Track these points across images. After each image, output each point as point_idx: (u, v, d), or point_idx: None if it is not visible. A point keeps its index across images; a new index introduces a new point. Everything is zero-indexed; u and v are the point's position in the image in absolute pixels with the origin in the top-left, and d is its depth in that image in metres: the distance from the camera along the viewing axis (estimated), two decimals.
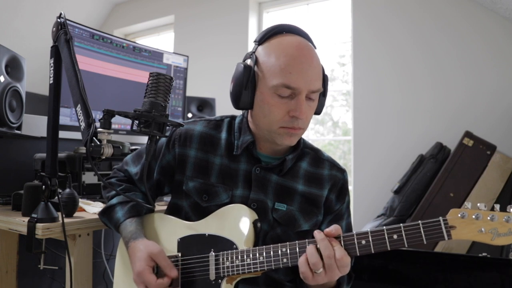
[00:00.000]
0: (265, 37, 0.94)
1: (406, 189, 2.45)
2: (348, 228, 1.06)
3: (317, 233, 0.82)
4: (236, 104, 0.94)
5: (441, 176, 2.31)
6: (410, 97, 2.85)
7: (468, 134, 2.34)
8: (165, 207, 1.11)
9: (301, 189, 1.00)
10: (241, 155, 1.00)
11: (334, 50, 3.54)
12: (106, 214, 1.04)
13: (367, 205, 2.84)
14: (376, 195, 2.82)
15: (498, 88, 2.59)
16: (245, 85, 0.91)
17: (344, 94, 3.54)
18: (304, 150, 1.05)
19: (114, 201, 1.04)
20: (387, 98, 2.94)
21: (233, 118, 1.07)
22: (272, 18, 3.79)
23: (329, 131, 3.66)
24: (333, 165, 1.06)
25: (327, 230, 0.82)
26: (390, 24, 2.96)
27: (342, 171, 1.06)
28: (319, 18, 3.55)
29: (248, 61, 0.95)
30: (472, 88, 2.66)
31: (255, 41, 0.96)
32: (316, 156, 1.06)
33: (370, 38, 3.03)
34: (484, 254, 1.57)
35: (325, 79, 0.97)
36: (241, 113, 1.07)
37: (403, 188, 2.48)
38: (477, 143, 2.31)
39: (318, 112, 1.00)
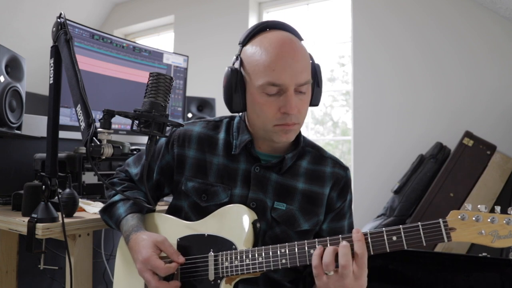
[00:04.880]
0: (248, 37, 0.94)
1: (406, 189, 2.45)
2: (350, 228, 1.05)
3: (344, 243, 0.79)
4: (230, 107, 0.95)
5: (441, 176, 2.31)
6: (410, 97, 2.85)
7: (468, 134, 2.34)
8: (165, 207, 1.11)
9: (301, 187, 0.99)
10: (240, 154, 1.00)
11: (334, 50, 3.54)
12: (107, 211, 1.04)
13: (367, 205, 2.84)
14: (376, 195, 2.82)
15: (498, 88, 2.59)
16: (234, 89, 0.91)
17: (344, 94, 3.54)
18: (305, 148, 1.05)
19: (116, 198, 1.04)
20: (387, 98, 2.94)
21: (232, 118, 1.07)
22: (272, 18, 3.79)
23: (329, 131, 3.66)
24: (336, 162, 1.05)
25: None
26: (390, 24, 2.96)
27: (345, 169, 1.05)
28: (319, 18, 3.55)
29: (235, 64, 0.94)
30: (472, 88, 2.67)
31: (240, 43, 0.96)
32: (318, 154, 1.05)
33: (370, 38, 3.03)
34: (484, 254, 1.57)
35: (316, 69, 0.96)
36: (239, 114, 1.07)
37: (403, 188, 2.48)
38: (477, 143, 2.31)
39: (315, 103, 0.98)
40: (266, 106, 0.90)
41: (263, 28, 0.94)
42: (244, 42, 0.94)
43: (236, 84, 0.91)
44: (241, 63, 0.92)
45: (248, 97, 0.93)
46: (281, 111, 0.89)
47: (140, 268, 0.88)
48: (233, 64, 0.95)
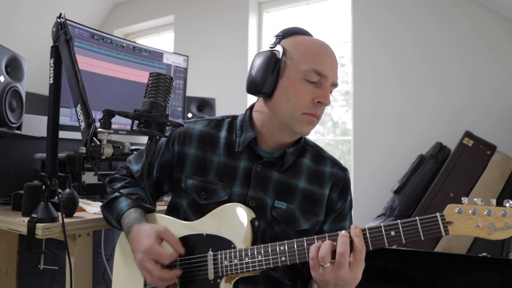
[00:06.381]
0: (289, 33, 0.99)
1: (406, 189, 2.45)
2: None
3: (343, 234, 0.80)
4: (258, 88, 0.95)
5: (441, 176, 2.31)
6: (410, 97, 2.86)
7: (468, 134, 2.34)
8: (165, 207, 1.11)
9: (302, 186, 1.00)
10: (242, 152, 1.00)
11: (334, 50, 3.53)
12: (108, 206, 1.04)
13: (367, 205, 2.84)
14: (376, 195, 2.83)
15: (498, 88, 2.59)
16: (272, 70, 0.93)
17: (344, 94, 3.54)
18: (305, 147, 1.06)
19: (118, 193, 1.04)
20: (387, 98, 2.94)
21: (234, 117, 1.08)
22: (272, 18, 3.79)
23: (329, 131, 3.66)
24: (335, 163, 1.06)
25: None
26: (390, 24, 2.96)
27: (344, 170, 1.06)
28: (319, 18, 3.55)
29: (275, 52, 0.97)
30: (472, 88, 2.67)
31: (278, 36, 0.99)
32: (317, 153, 1.06)
33: (370, 38, 3.03)
34: (484, 254, 1.57)
35: None
36: (242, 113, 1.07)
37: (403, 188, 2.48)
38: (477, 143, 2.31)
39: None
40: (302, 92, 0.93)
41: (301, 32, 1.01)
42: (285, 35, 0.99)
43: (274, 66, 0.94)
44: (284, 50, 0.95)
45: (283, 82, 0.95)
46: (315, 101, 0.93)
47: (141, 258, 0.88)
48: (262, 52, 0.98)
